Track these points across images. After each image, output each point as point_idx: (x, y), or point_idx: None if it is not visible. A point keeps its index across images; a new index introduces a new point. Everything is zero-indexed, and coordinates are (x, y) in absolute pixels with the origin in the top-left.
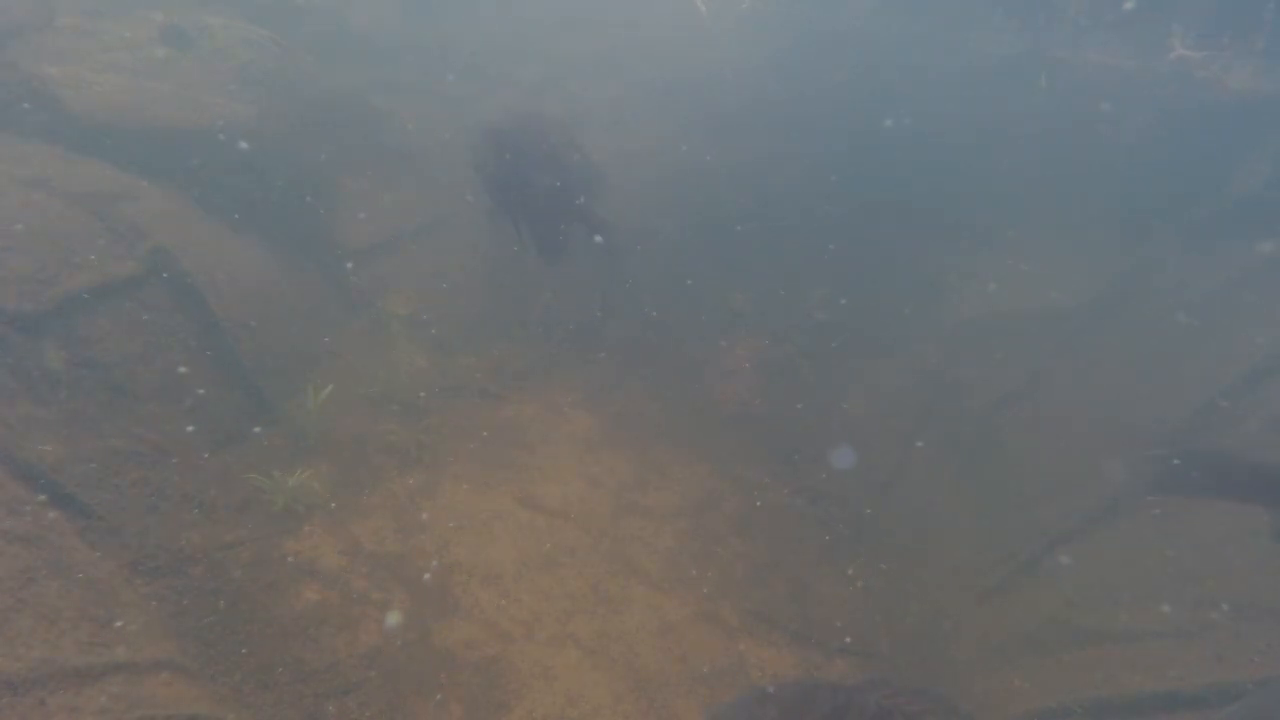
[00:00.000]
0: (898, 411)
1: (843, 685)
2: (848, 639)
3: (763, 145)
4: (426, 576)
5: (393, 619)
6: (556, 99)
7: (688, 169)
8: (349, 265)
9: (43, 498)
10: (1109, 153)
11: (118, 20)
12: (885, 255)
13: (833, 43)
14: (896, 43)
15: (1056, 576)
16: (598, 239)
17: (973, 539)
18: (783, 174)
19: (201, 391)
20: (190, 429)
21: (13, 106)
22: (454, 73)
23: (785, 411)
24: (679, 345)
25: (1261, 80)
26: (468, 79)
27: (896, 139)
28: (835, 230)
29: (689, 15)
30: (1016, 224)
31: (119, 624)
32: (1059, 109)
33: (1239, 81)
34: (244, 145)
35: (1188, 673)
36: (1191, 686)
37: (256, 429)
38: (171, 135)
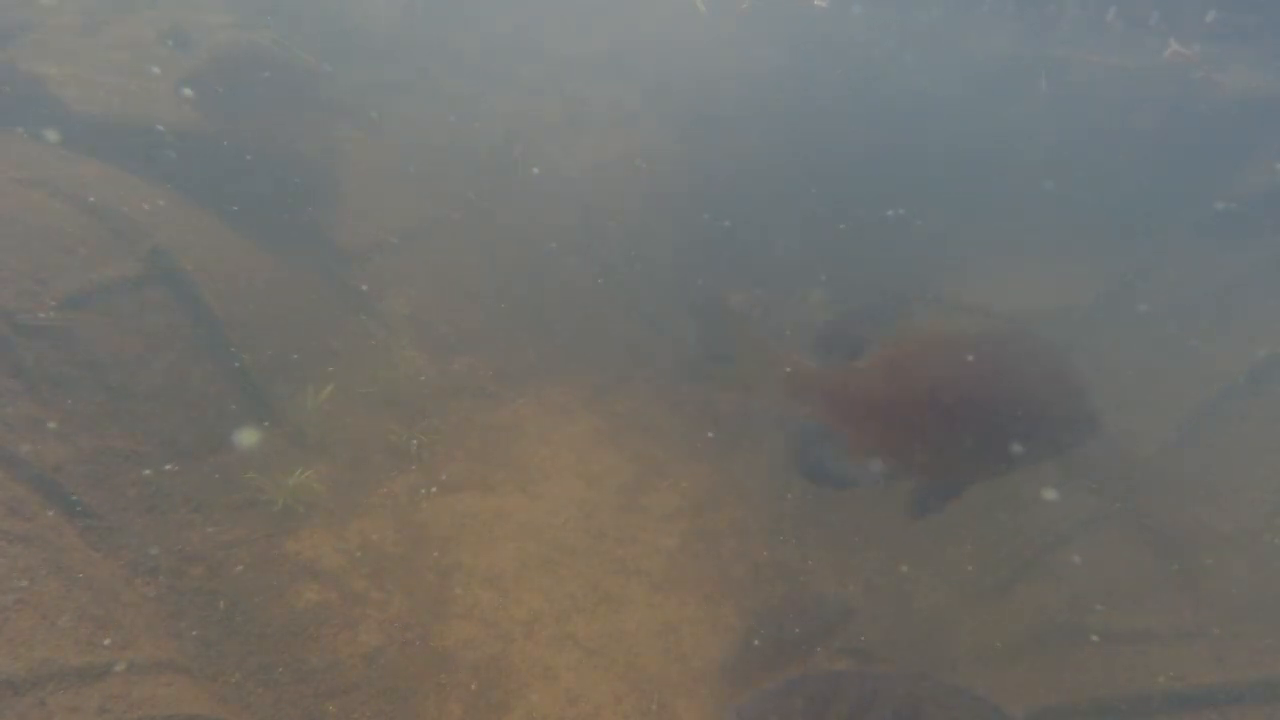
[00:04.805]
0: None
1: (869, 676)
2: (848, 638)
3: (763, 147)
4: (426, 576)
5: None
6: (556, 99)
7: (687, 171)
8: (349, 265)
9: (43, 498)
10: (1110, 153)
11: (118, 20)
12: (884, 256)
13: (832, 45)
14: (896, 44)
15: (1057, 576)
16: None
17: (973, 538)
18: (783, 176)
19: (201, 391)
20: (190, 429)
21: (13, 106)
22: (454, 72)
23: (785, 411)
24: (679, 345)
25: (1261, 80)
26: (468, 79)
27: (895, 139)
28: (834, 232)
29: (689, 16)
30: (1017, 224)
31: (119, 624)
32: (1058, 109)
33: (1237, 81)
34: (243, 147)
35: (1188, 673)
36: (1191, 686)
37: (256, 429)
38: (171, 135)
